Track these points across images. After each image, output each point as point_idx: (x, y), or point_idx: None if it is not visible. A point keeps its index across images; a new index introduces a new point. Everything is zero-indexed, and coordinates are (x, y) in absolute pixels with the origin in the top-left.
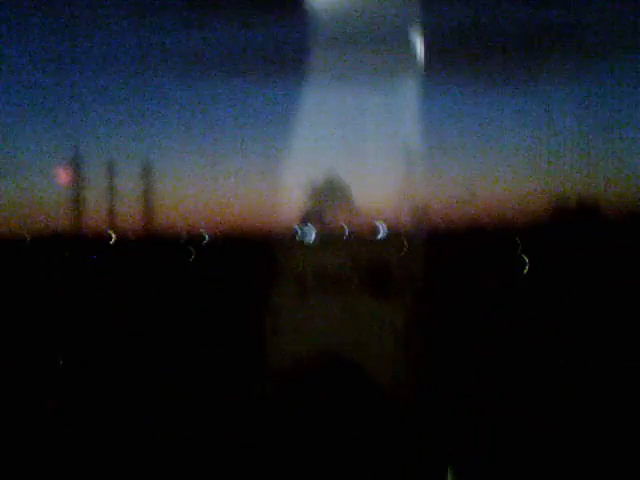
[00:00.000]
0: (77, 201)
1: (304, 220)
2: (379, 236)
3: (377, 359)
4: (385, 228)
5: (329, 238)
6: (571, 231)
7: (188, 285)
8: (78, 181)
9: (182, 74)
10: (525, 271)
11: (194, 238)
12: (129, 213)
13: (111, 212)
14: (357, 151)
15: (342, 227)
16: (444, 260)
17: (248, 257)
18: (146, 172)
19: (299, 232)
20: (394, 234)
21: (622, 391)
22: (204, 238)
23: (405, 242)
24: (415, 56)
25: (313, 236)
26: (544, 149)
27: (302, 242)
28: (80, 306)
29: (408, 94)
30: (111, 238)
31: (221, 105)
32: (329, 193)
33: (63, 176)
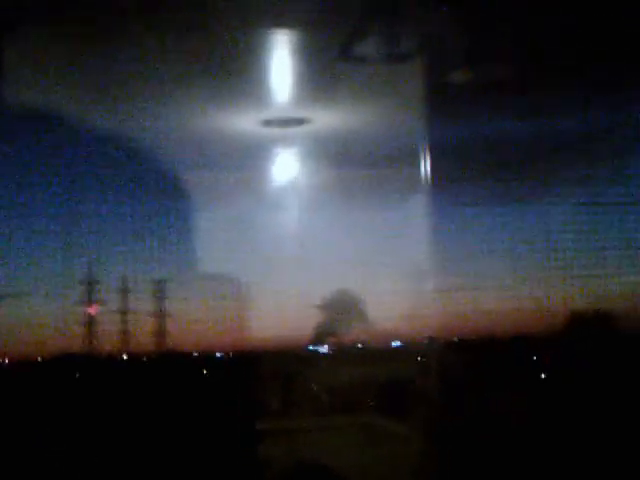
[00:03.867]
0: (89, 321)
1: (317, 335)
2: (392, 349)
3: None
4: (398, 342)
5: (342, 352)
6: (585, 343)
7: (199, 403)
8: (91, 302)
9: (196, 197)
10: (541, 380)
11: (206, 356)
12: (141, 332)
13: (123, 331)
14: (367, 266)
15: (355, 340)
16: (459, 372)
17: (259, 374)
18: (158, 290)
19: (312, 347)
20: (407, 347)
21: None
22: (216, 356)
23: (419, 355)
24: (422, 172)
25: (326, 350)
26: (555, 263)
27: (315, 358)
28: (90, 428)
29: (416, 210)
30: (122, 357)
31: (232, 223)
32: (341, 307)
33: (94, 308)
